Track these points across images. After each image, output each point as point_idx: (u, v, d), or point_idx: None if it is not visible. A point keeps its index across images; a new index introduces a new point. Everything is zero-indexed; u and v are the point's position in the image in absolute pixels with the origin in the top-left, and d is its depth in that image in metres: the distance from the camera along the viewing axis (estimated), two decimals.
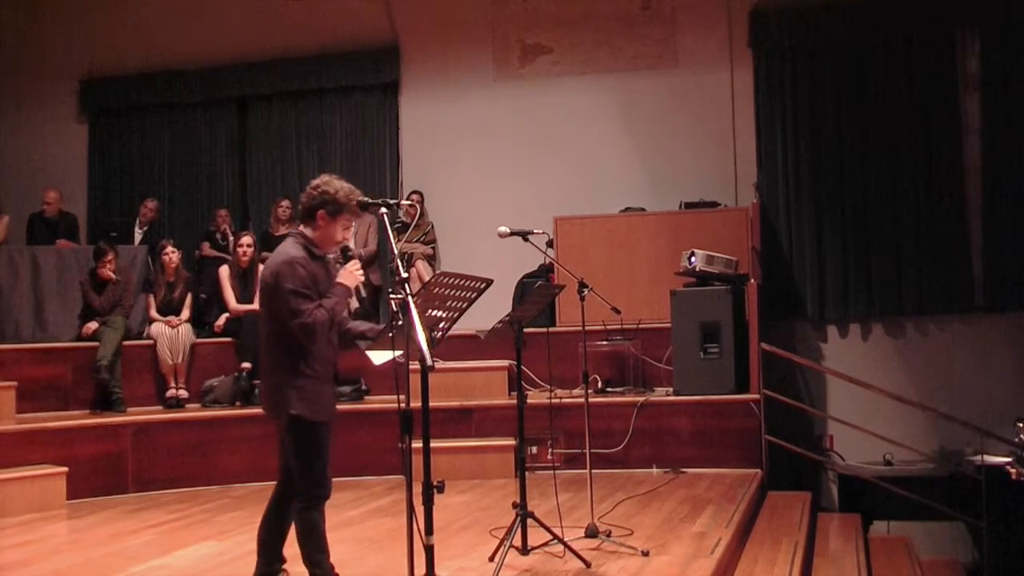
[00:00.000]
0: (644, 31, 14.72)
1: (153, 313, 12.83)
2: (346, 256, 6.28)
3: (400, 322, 5.39)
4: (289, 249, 6.16)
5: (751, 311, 11.94)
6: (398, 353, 5.80)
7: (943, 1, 13.56)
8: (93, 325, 12.44)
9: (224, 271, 13.13)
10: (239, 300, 12.95)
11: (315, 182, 6.27)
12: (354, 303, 13.72)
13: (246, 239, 13.17)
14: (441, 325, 5.97)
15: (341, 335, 6.39)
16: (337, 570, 6.26)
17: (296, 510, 6.20)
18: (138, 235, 15.03)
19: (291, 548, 6.35)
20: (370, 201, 6.09)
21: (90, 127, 16.66)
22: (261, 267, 12.77)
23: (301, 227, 6.27)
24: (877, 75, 13.78)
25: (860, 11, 13.76)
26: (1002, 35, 13.49)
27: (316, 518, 6.16)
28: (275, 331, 6.11)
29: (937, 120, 13.59)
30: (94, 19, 16.34)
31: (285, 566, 6.52)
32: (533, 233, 7.97)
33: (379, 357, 6.01)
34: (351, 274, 6.21)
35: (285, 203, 14.74)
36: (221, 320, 13.01)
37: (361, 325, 6.58)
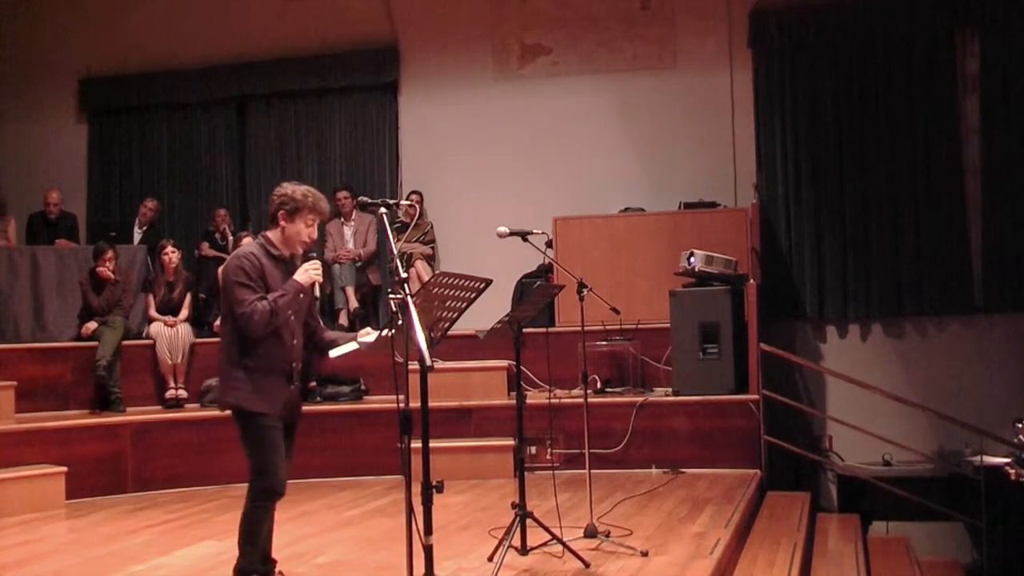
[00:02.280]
0: (643, 31, 14.72)
1: (152, 313, 12.84)
2: (306, 256, 6.33)
3: (400, 322, 5.40)
4: (244, 247, 6.40)
5: (750, 311, 11.94)
6: (356, 347, 5.91)
7: (942, 2, 13.55)
8: (92, 325, 12.44)
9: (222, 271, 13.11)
10: None
11: (276, 190, 6.43)
12: (354, 302, 13.77)
13: (247, 239, 13.18)
14: (440, 325, 5.98)
15: (316, 345, 6.51)
16: (336, 570, 6.26)
17: (245, 500, 6.28)
18: (137, 235, 15.02)
19: (287, 548, 6.35)
20: (369, 201, 6.09)
21: (89, 127, 16.65)
22: None
23: (267, 232, 6.42)
24: (876, 76, 13.79)
25: (859, 12, 13.76)
26: (1001, 35, 13.49)
27: (258, 511, 6.27)
28: (227, 326, 6.25)
29: (936, 121, 13.59)
30: (93, 19, 16.33)
31: (279, 568, 6.52)
32: (532, 233, 7.97)
33: (338, 351, 6.19)
34: (305, 271, 6.27)
35: None
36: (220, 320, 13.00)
37: (333, 334, 6.64)
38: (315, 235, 6.39)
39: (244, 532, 6.27)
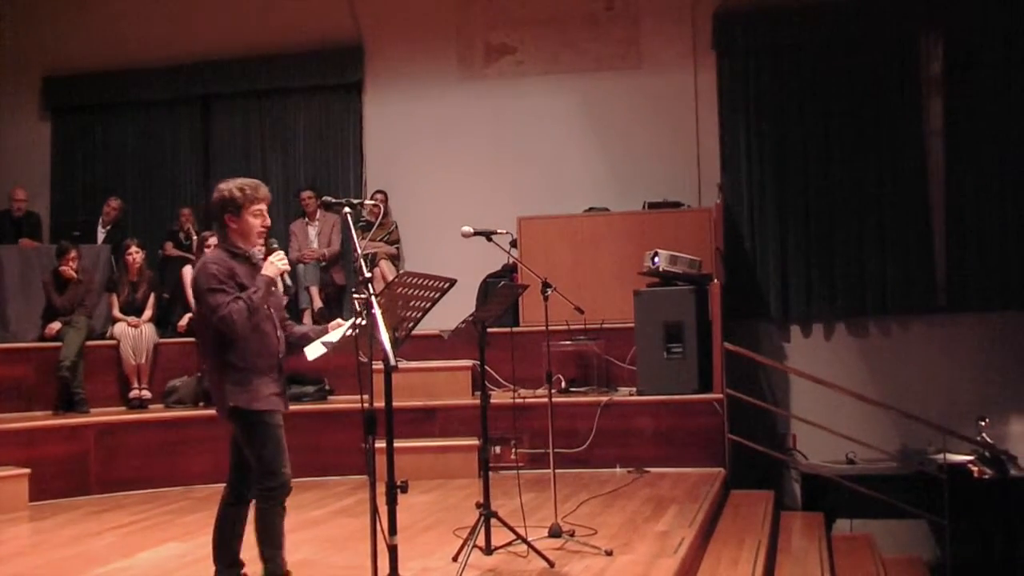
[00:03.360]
0: (608, 32, 14.76)
1: (116, 313, 12.78)
2: (269, 249, 6.31)
3: (364, 321, 5.40)
4: (206, 255, 6.43)
5: (714, 311, 11.97)
6: (326, 350, 5.90)
7: (907, 5, 13.65)
8: (56, 325, 12.39)
9: (188, 271, 13.10)
10: None
11: (212, 194, 6.39)
12: (318, 302, 13.74)
13: (213, 239, 13.13)
14: (405, 325, 5.98)
15: (288, 342, 6.43)
16: (301, 571, 6.24)
17: (255, 504, 6.20)
18: (101, 234, 14.95)
19: (251, 551, 6.33)
20: (334, 201, 6.08)
21: (53, 125, 16.57)
22: None
23: (220, 235, 6.43)
24: (840, 78, 13.87)
25: (823, 15, 13.84)
26: (964, 38, 13.60)
27: (273, 512, 6.16)
28: (209, 334, 6.16)
29: (900, 122, 13.69)
30: (57, 16, 16.25)
31: (244, 570, 6.50)
32: (497, 233, 7.97)
33: (312, 351, 6.11)
34: (272, 264, 6.22)
35: None
36: (184, 320, 12.98)
37: (302, 328, 6.62)
38: (267, 222, 6.34)
39: (265, 537, 6.19)
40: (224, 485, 6.48)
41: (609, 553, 7.62)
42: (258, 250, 6.31)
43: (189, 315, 12.94)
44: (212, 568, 6.45)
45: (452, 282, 6.09)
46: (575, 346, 12.70)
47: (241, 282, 6.11)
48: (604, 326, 12.56)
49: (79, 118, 16.51)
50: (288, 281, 13.27)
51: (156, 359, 12.74)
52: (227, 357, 6.10)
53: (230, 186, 6.28)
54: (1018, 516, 11.68)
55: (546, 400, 8.39)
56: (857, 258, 13.72)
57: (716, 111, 14.31)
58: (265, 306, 6.18)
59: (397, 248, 14.62)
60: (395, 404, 5.37)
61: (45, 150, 16.49)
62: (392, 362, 5.09)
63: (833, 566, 9.78)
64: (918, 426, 12.31)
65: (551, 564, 7.24)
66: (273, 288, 6.22)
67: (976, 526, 11.73)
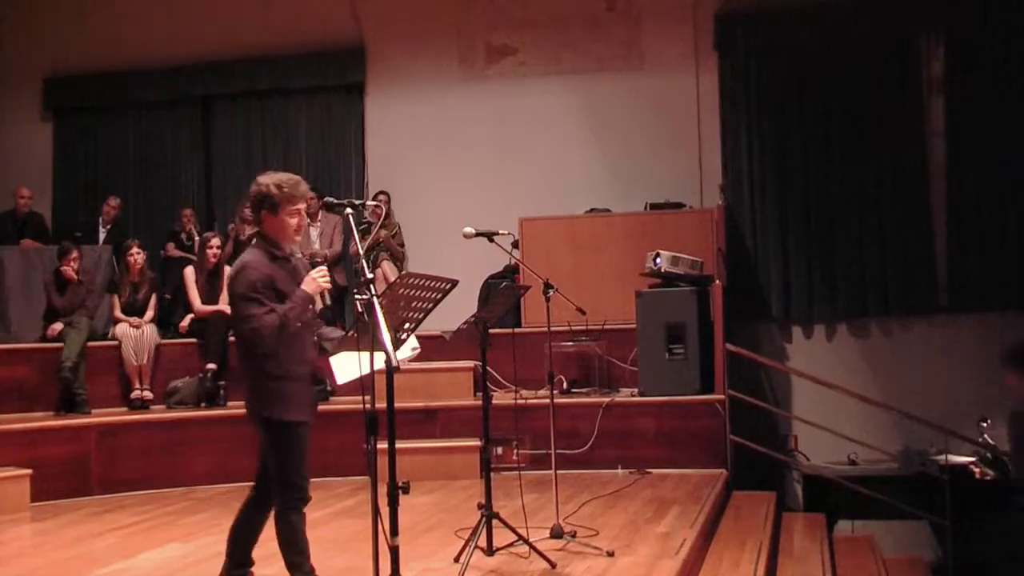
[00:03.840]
0: (610, 33, 14.75)
1: (118, 313, 12.78)
2: (313, 263, 6.25)
3: (365, 322, 5.39)
4: (245, 255, 6.14)
5: (716, 312, 11.98)
6: (363, 372, 5.80)
7: (907, 5, 13.65)
8: (58, 326, 12.38)
9: (190, 271, 13.10)
10: (205, 301, 12.92)
11: (251, 187, 6.29)
12: (319, 303, 13.73)
13: (215, 240, 13.16)
14: (406, 326, 5.97)
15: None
16: None
17: (276, 513, 6.11)
18: (103, 234, 14.95)
19: (260, 549, 6.33)
20: (336, 202, 6.04)
21: (54, 126, 16.58)
22: (227, 268, 12.82)
23: (258, 230, 6.27)
24: (841, 78, 13.87)
25: (824, 15, 13.83)
26: (966, 39, 13.60)
27: (295, 520, 6.07)
28: (240, 336, 6.07)
29: (901, 123, 13.69)
30: (58, 17, 16.26)
31: (252, 568, 6.49)
32: (498, 234, 7.97)
33: (343, 374, 6.02)
34: (314, 280, 6.06)
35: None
36: (186, 320, 12.97)
37: (332, 332, 6.51)
38: (303, 223, 6.23)
39: (289, 547, 6.08)
40: (251, 486, 6.40)
41: (611, 554, 7.63)
42: (297, 249, 6.23)
43: (191, 316, 12.94)
44: (216, 567, 6.44)
45: (454, 283, 6.06)
46: (577, 347, 12.69)
47: (279, 289, 5.99)
48: (606, 327, 12.54)
49: (80, 119, 16.52)
50: (328, 300, 13.10)
51: (158, 360, 12.72)
52: (263, 364, 6.00)
53: (268, 182, 6.20)
54: (1019, 517, 11.67)
55: (548, 401, 8.40)
56: (858, 258, 13.72)
57: (717, 112, 14.32)
58: (297, 323, 6.02)
59: (403, 250, 14.61)
60: (397, 405, 5.38)
61: (46, 151, 16.49)
62: (394, 363, 5.09)
63: (835, 567, 9.79)
64: (920, 427, 12.31)
65: (553, 565, 7.25)
66: (311, 305, 6.13)
67: (978, 527, 11.71)
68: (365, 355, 5.59)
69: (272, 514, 6.15)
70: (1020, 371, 8.87)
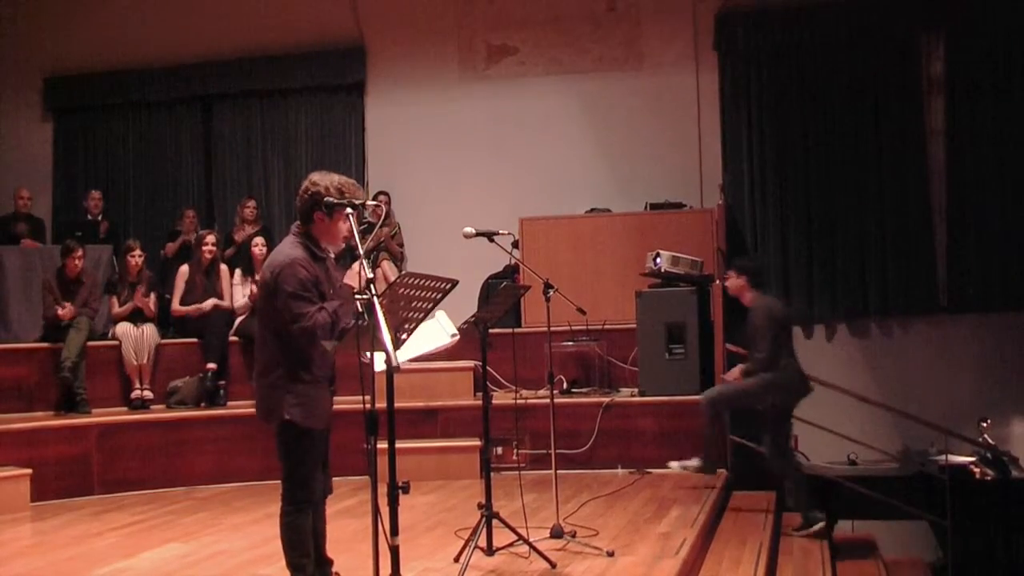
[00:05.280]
0: (610, 33, 14.76)
1: (117, 311, 12.76)
2: (352, 257, 6.20)
3: (365, 322, 5.38)
4: (289, 250, 6.02)
5: (716, 312, 11.97)
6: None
7: (908, 5, 13.66)
8: (70, 311, 12.28)
9: (183, 270, 13.10)
10: (201, 297, 12.89)
11: (306, 183, 6.12)
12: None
13: (210, 237, 13.16)
14: (407, 326, 5.96)
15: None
16: None
17: (281, 514, 6.12)
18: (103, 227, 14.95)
19: (261, 548, 6.33)
20: (336, 202, 6.01)
21: (54, 125, 16.58)
22: (223, 266, 12.81)
23: (301, 226, 6.12)
24: (842, 78, 13.88)
25: (825, 15, 13.85)
26: (966, 39, 13.62)
27: (301, 522, 6.09)
28: (274, 332, 5.98)
29: (902, 123, 13.71)
30: (58, 16, 16.26)
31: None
32: (499, 234, 7.97)
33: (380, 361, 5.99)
34: (358, 274, 5.86)
35: (251, 203, 14.71)
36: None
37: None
38: (355, 228, 5.95)
39: (294, 548, 6.09)
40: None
41: (611, 554, 7.63)
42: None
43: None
44: (216, 566, 6.43)
45: (454, 283, 6.05)
46: (577, 347, 12.70)
47: (322, 290, 5.96)
48: (606, 327, 12.55)
49: (80, 119, 16.53)
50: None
51: (158, 359, 12.69)
52: (291, 366, 5.96)
53: (327, 182, 6.05)
54: (1020, 517, 11.68)
55: (548, 401, 8.40)
56: (858, 258, 13.73)
57: (718, 112, 14.33)
58: (345, 320, 5.96)
59: (401, 249, 14.61)
60: (396, 405, 5.37)
61: (47, 151, 16.49)
62: (394, 363, 5.08)
63: (835, 567, 9.80)
64: (919, 427, 12.30)
65: (553, 565, 7.25)
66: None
67: (978, 527, 11.72)
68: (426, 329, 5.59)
69: (279, 514, 6.14)
70: (739, 274, 10.23)
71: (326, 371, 6.14)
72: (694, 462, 10.42)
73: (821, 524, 9.97)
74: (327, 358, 6.12)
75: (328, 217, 6.01)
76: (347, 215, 5.86)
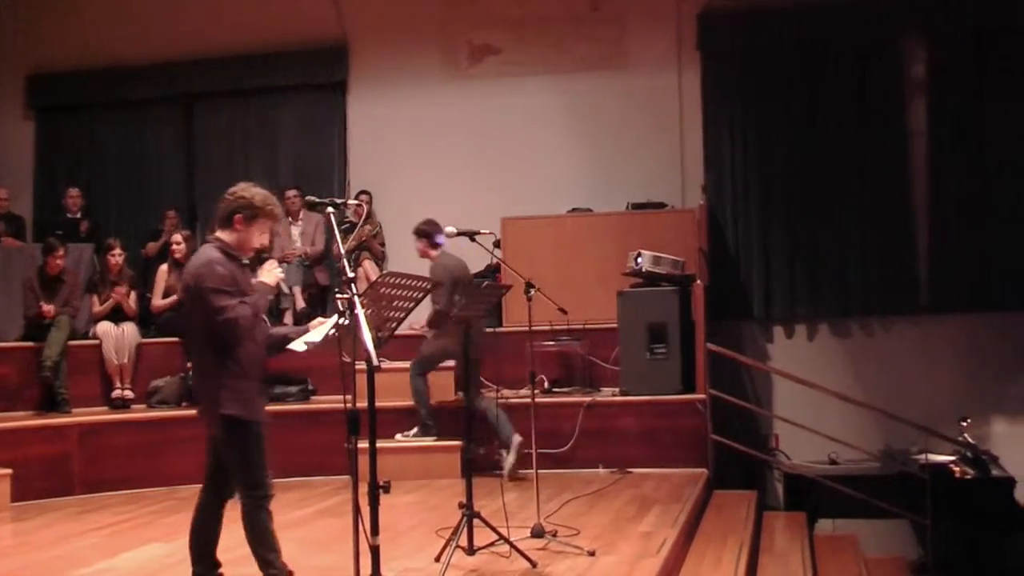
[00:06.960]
0: (593, 32, 14.76)
1: (97, 309, 12.74)
2: (260, 258, 6.32)
3: (346, 321, 5.40)
4: (207, 252, 6.20)
5: (697, 312, 11.99)
6: (307, 348, 5.89)
7: (889, 7, 13.68)
8: (52, 308, 12.27)
9: (162, 270, 13.13)
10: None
11: (233, 188, 6.32)
12: (300, 302, 13.74)
13: (177, 236, 13.19)
14: (388, 325, 5.97)
15: (268, 344, 6.37)
16: None
17: (243, 513, 6.15)
18: (84, 225, 14.91)
19: (239, 550, 6.32)
20: (317, 201, 6.04)
21: (36, 124, 16.52)
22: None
23: (218, 233, 6.28)
24: (824, 79, 13.92)
25: (807, 16, 13.86)
26: (947, 41, 13.65)
27: (264, 518, 6.12)
28: (202, 333, 6.09)
29: (883, 123, 13.75)
30: (41, 15, 16.20)
31: (221, 570, 6.48)
32: (480, 233, 7.99)
33: (315, 335, 6.15)
34: (270, 272, 6.28)
35: None
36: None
37: (282, 329, 6.61)
38: (265, 242, 6.39)
39: (260, 544, 6.13)
40: (201, 488, 6.47)
41: (592, 553, 7.63)
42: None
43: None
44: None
45: (435, 283, 6.08)
46: (558, 346, 12.71)
47: (240, 288, 6.08)
48: (587, 326, 12.57)
49: (62, 117, 16.48)
50: (285, 288, 13.28)
51: (139, 359, 12.70)
52: (225, 363, 6.03)
53: (253, 191, 6.25)
54: (1000, 516, 11.72)
55: (529, 400, 8.41)
56: (840, 259, 13.77)
57: (700, 112, 14.34)
58: (261, 313, 6.18)
59: (383, 249, 14.61)
60: (378, 404, 5.37)
61: (28, 149, 16.43)
62: (375, 362, 5.10)
63: (816, 566, 9.82)
64: (900, 426, 12.33)
65: (534, 564, 7.25)
66: (269, 296, 6.20)
67: (958, 526, 11.75)
68: (314, 334, 5.75)
69: (239, 513, 6.18)
70: (423, 240, 11.06)
71: (257, 368, 6.20)
72: (414, 431, 11.60)
73: (519, 441, 10.61)
74: (257, 356, 6.20)
75: (245, 224, 6.19)
76: (264, 227, 6.28)
